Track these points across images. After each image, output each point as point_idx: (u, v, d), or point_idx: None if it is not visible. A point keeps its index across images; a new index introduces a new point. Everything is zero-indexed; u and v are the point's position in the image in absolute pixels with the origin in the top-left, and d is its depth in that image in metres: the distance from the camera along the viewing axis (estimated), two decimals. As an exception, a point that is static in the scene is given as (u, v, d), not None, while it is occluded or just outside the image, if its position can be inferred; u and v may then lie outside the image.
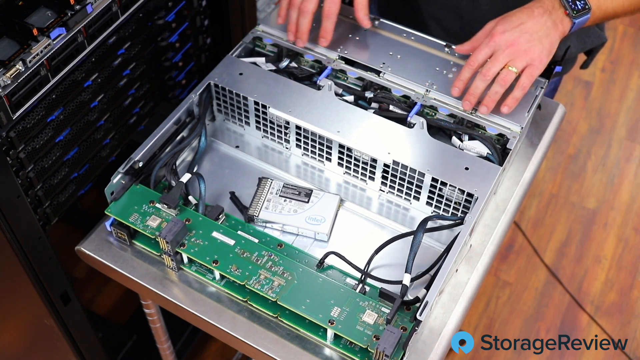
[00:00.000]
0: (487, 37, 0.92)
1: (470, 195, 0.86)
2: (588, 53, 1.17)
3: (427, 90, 0.97)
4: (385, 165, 0.91)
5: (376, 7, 1.29)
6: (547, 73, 0.96)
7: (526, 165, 1.01)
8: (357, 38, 1.04)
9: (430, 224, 0.86)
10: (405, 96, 0.98)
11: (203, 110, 0.97)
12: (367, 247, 0.87)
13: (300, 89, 0.97)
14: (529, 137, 1.04)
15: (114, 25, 0.92)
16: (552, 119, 1.07)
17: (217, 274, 0.84)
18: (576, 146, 2.16)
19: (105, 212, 0.87)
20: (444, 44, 1.03)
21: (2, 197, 0.81)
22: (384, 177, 0.93)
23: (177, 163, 0.95)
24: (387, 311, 0.78)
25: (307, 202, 0.92)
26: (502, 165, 0.90)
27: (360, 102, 0.98)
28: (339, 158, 0.95)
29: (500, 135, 0.94)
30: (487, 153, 0.92)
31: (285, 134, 0.98)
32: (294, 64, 1.03)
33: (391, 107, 0.97)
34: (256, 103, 0.96)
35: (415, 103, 0.96)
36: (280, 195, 0.92)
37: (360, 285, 0.82)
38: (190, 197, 0.90)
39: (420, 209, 0.93)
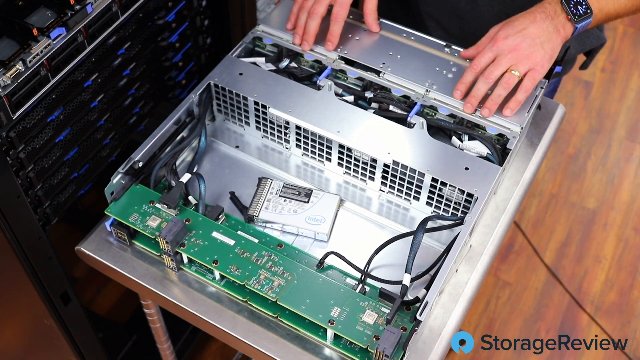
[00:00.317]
0: (491, 41, 0.93)
1: (470, 195, 0.86)
2: (587, 54, 1.17)
3: (427, 90, 0.97)
4: (385, 165, 0.91)
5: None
6: (547, 73, 0.96)
7: (526, 165, 1.01)
8: (357, 38, 1.04)
9: (430, 224, 0.86)
10: (405, 96, 0.98)
11: (203, 110, 0.97)
12: (367, 247, 0.87)
13: (300, 89, 0.97)
14: (529, 137, 1.04)
15: (114, 25, 0.91)
16: (552, 119, 1.07)
17: (217, 274, 0.84)
18: (576, 146, 2.16)
19: (105, 212, 0.87)
20: (444, 44, 1.03)
21: (2, 197, 0.81)
22: (384, 177, 0.93)
23: (177, 163, 0.95)
24: (387, 311, 0.78)
25: (307, 202, 0.91)
26: (502, 165, 0.90)
27: (360, 102, 0.98)
28: (339, 158, 0.95)
29: (500, 135, 0.94)
30: (487, 153, 0.92)
31: (285, 134, 0.97)
32: (294, 64, 1.03)
33: (391, 107, 0.97)
34: (256, 103, 0.96)
35: (415, 103, 0.96)
36: (280, 196, 0.92)
37: (360, 286, 0.82)
38: (190, 197, 0.90)
39: (420, 209, 0.93)
